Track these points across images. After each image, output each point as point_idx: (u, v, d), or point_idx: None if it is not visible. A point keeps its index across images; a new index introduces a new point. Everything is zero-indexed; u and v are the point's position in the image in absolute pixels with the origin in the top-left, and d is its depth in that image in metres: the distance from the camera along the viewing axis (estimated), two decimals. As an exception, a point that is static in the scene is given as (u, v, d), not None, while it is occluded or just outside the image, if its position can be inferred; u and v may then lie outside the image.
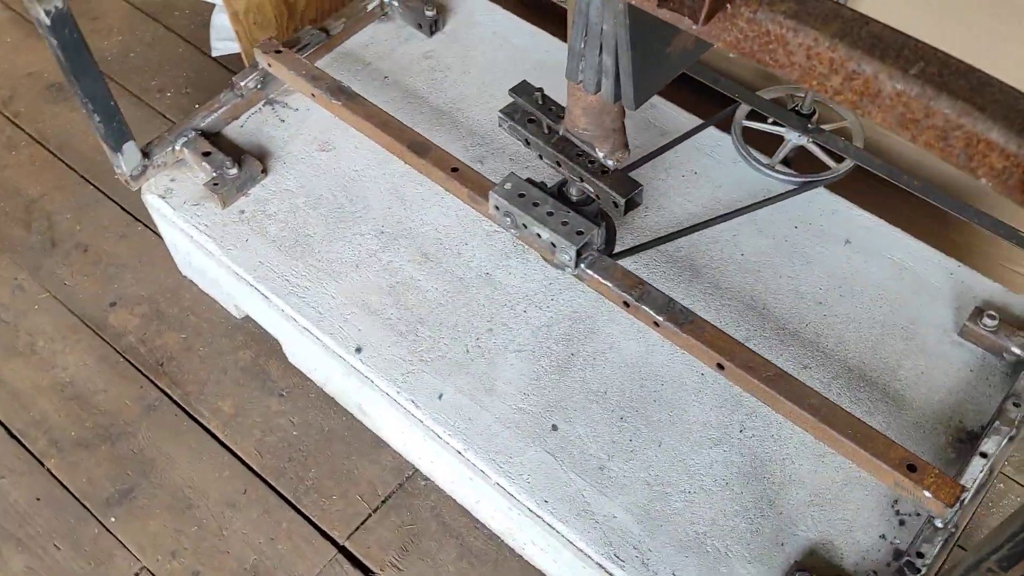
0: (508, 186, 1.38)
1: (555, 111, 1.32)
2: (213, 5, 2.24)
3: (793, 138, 1.58)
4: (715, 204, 1.57)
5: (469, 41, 1.81)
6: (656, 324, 1.32)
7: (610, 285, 1.34)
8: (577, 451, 1.33)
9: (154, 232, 1.86)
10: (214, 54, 2.17)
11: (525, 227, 1.36)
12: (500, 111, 1.38)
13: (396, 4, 1.82)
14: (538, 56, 1.78)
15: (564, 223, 1.33)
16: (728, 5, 0.76)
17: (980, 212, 1.46)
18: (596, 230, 1.33)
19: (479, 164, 1.63)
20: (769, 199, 1.53)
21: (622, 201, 1.29)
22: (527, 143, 1.37)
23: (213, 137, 1.66)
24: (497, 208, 1.38)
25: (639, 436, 1.34)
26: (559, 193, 1.39)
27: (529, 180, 1.40)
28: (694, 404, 1.37)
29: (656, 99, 1.71)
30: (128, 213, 1.91)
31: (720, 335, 1.29)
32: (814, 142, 1.54)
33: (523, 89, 1.35)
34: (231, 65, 2.15)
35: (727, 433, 1.34)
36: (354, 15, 1.80)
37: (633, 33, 0.98)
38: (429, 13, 1.78)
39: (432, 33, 1.81)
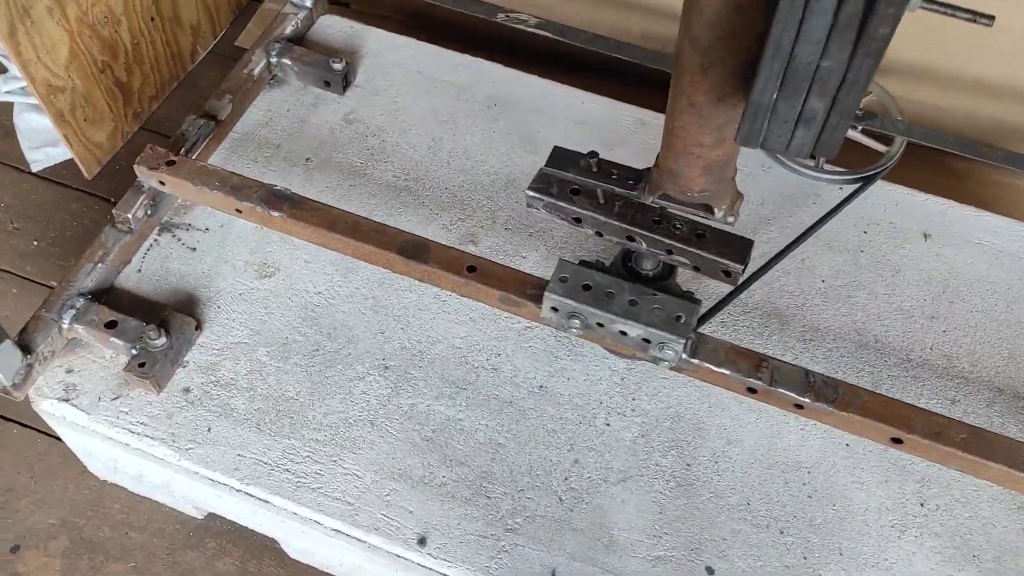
0: (566, 279, 1.04)
1: (621, 176, 1.00)
2: (11, 105, 1.71)
3: (830, 129, 1.33)
4: (766, 225, 1.30)
5: (393, 89, 1.43)
6: (799, 407, 1.04)
7: (727, 372, 1.04)
8: (746, 591, 1.03)
9: (37, 430, 1.36)
10: (35, 169, 1.65)
11: (600, 326, 1.04)
12: (529, 190, 1.03)
13: (288, 63, 1.41)
14: (486, 90, 1.44)
15: (656, 309, 1.02)
16: None
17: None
18: (695, 308, 1.03)
19: (472, 245, 1.28)
20: (838, 206, 1.27)
21: (739, 268, 0.99)
22: (577, 221, 1.04)
23: (106, 297, 1.21)
24: (556, 310, 1.05)
25: (812, 550, 1.06)
26: (629, 271, 1.07)
27: (584, 263, 1.07)
28: (855, 488, 1.10)
29: (646, 113, 1.42)
30: (-14, 412, 1.40)
31: (884, 401, 1.03)
32: (863, 129, 1.30)
33: (564, 158, 1.01)
34: (63, 178, 1.64)
35: (907, 513, 1.09)
36: (238, 88, 1.37)
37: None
38: (338, 66, 1.39)
39: (345, 89, 1.42)
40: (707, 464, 1.11)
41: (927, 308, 1.23)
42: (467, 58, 1.47)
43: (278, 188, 1.16)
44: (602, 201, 1.01)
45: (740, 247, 0.99)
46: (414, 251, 1.12)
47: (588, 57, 1.65)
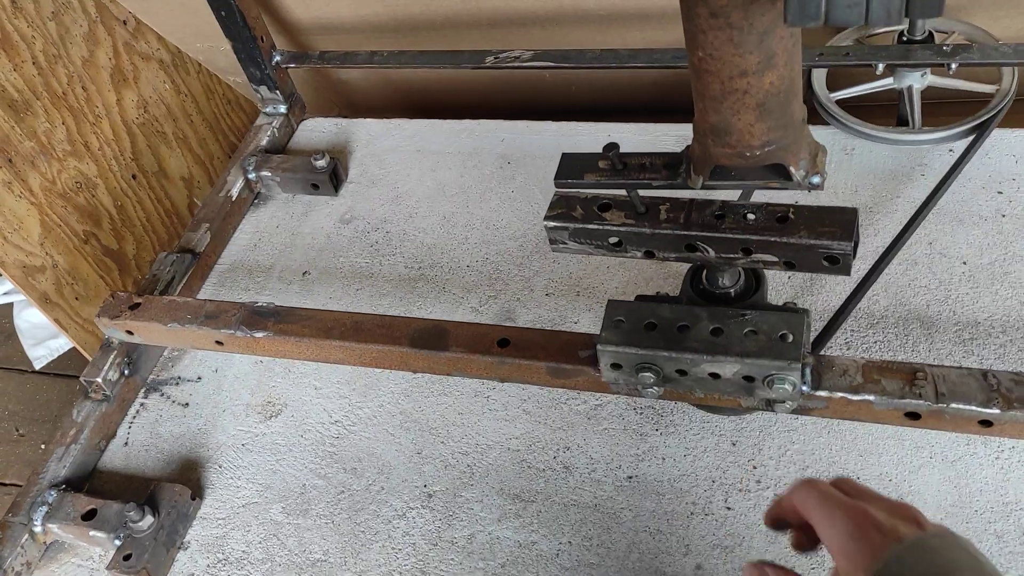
0: (621, 323, 0.78)
1: (655, 166, 0.75)
2: (11, 305, 1.58)
3: (915, 80, 1.06)
4: (868, 216, 1.02)
5: (391, 176, 1.24)
6: (986, 424, 0.73)
7: (872, 399, 0.74)
8: None
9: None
10: (37, 366, 1.49)
11: (683, 374, 0.76)
12: (547, 220, 0.79)
13: (268, 175, 1.23)
14: (496, 150, 1.22)
15: (750, 333, 0.74)
16: None
17: None
18: (803, 319, 0.75)
19: (511, 323, 1.03)
20: (954, 169, 0.99)
21: (848, 247, 0.71)
22: (618, 245, 0.78)
23: (87, 484, 0.99)
24: (619, 367, 0.78)
25: (1069, 624, 0.73)
26: (703, 295, 0.81)
27: (642, 297, 0.82)
28: (1102, 520, 0.77)
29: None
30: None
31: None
32: (961, 64, 1.03)
33: (576, 165, 0.77)
34: (67, 368, 1.48)
35: None
36: (216, 216, 1.19)
37: None
38: (320, 163, 1.20)
39: (337, 188, 1.23)
40: (879, 533, 0.80)
41: (1117, 263, 0.92)
42: (469, 123, 1.27)
43: (259, 305, 0.95)
44: (642, 209, 0.76)
45: (842, 219, 0.72)
46: (430, 338, 0.88)
47: (607, 99, 1.44)
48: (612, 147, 0.74)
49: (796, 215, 0.73)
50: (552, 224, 0.78)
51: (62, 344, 1.48)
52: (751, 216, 0.74)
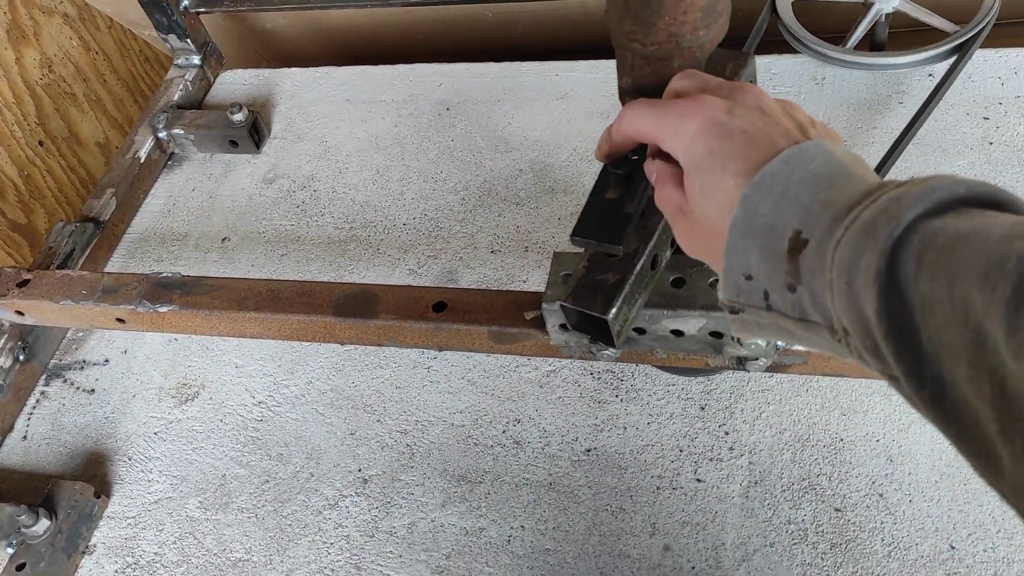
0: (568, 279, 0.68)
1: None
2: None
3: (885, 2, 0.96)
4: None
5: (318, 129, 1.12)
6: None
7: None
8: None
9: None
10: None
11: (641, 332, 0.66)
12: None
13: (180, 133, 1.10)
14: (434, 96, 1.11)
15: (716, 281, 0.64)
16: None
17: None
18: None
19: (451, 282, 0.93)
20: (934, 94, 0.89)
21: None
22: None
23: (-19, 482, 0.88)
24: (568, 327, 0.68)
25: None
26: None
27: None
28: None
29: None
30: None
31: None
32: (938, -18, 0.92)
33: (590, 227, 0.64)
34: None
35: None
36: (123, 180, 1.07)
37: None
38: (238, 116, 1.08)
39: (259, 144, 1.11)
40: (867, 501, 0.71)
41: (1117, 189, 0.83)
42: (403, 68, 1.16)
43: (164, 276, 0.84)
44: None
45: (724, 53, 0.63)
46: (357, 305, 0.78)
47: (558, 38, 1.32)
48: (623, 162, 0.62)
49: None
50: (615, 311, 0.61)
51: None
52: None
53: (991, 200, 0.38)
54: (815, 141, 0.45)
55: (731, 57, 0.63)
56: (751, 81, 0.63)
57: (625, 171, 0.60)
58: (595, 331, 0.66)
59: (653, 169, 0.55)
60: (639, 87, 0.61)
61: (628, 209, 0.59)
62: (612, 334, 0.62)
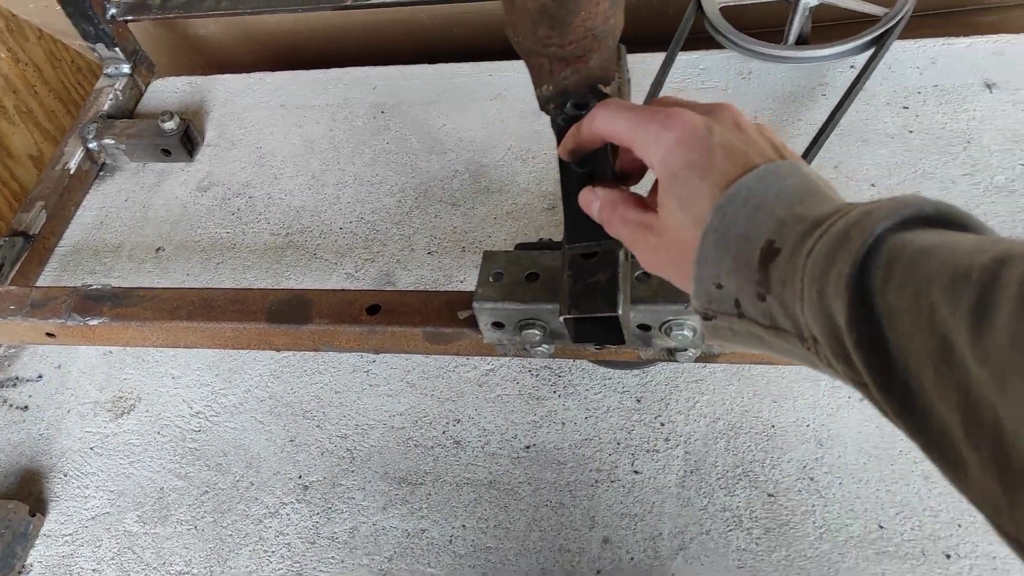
0: (500, 276, 0.68)
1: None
2: None
3: (810, -5, 0.98)
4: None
5: (253, 135, 1.11)
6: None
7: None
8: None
9: None
10: None
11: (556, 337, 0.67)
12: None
13: (111, 143, 1.09)
14: (368, 99, 1.11)
15: (644, 276, 0.65)
16: None
17: None
18: None
19: (392, 287, 0.93)
20: (854, 85, 0.92)
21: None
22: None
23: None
24: (501, 325, 0.68)
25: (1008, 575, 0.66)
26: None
27: (523, 245, 0.72)
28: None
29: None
30: None
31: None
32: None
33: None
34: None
35: None
36: (53, 193, 1.05)
37: None
38: (169, 125, 1.07)
39: (192, 153, 1.10)
40: (799, 485, 0.73)
41: (1030, 173, 0.86)
42: (336, 71, 1.15)
43: (93, 288, 0.82)
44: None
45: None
46: (290, 311, 0.77)
47: (493, 40, 1.33)
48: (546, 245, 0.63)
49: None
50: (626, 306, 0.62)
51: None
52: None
53: (957, 221, 0.40)
54: (789, 161, 0.46)
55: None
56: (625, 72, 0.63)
57: (588, 171, 0.60)
58: (600, 336, 0.66)
59: (595, 197, 0.56)
60: (562, 90, 0.61)
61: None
62: (623, 329, 0.62)
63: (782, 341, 0.43)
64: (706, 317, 0.47)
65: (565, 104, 0.60)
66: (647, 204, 0.53)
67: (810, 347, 0.41)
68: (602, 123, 0.54)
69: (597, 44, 0.57)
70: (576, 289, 0.61)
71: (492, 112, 1.05)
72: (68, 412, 0.90)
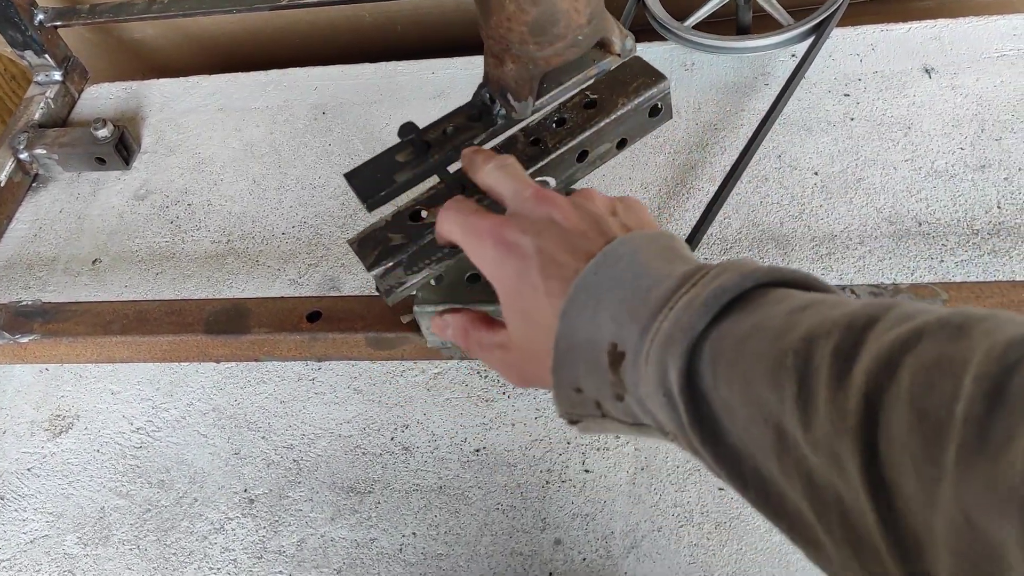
0: (440, 279, 0.68)
1: (462, 124, 0.65)
2: None
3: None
4: (713, 133, 0.94)
5: (191, 140, 1.08)
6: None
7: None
8: None
9: None
10: None
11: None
12: (372, 270, 0.63)
13: (43, 152, 1.06)
14: (309, 100, 1.09)
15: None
16: None
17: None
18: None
19: (334, 290, 0.91)
20: (795, 74, 0.91)
21: (665, 84, 0.65)
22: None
23: None
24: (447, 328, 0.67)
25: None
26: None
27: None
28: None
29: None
30: None
31: (977, 288, 0.65)
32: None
33: (369, 181, 0.66)
34: None
35: None
36: (-14, 203, 1.02)
37: None
38: (102, 132, 1.04)
39: (128, 160, 1.07)
40: (749, 478, 0.72)
41: (970, 158, 0.86)
42: (275, 73, 1.13)
43: (23, 304, 0.80)
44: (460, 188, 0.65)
45: (637, 68, 0.65)
46: (228, 321, 0.76)
47: (437, 37, 1.31)
48: (409, 130, 0.63)
49: (598, 92, 0.65)
50: (381, 270, 0.61)
51: None
52: (566, 119, 0.65)
53: (779, 281, 0.40)
54: (619, 240, 0.44)
55: (643, 73, 0.64)
56: (660, 101, 0.64)
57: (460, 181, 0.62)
58: None
59: (446, 324, 0.57)
60: (486, 74, 0.61)
61: (398, 177, 0.62)
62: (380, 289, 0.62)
63: (649, 435, 0.43)
64: (572, 421, 0.47)
65: (482, 90, 0.61)
66: (499, 323, 0.54)
67: (674, 439, 0.41)
68: (442, 228, 0.54)
69: (511, 56, 0.57)
70: (377, 233, 0.62)
71: (435, 111, 1.02)
72: (3, 433, 0.87)
